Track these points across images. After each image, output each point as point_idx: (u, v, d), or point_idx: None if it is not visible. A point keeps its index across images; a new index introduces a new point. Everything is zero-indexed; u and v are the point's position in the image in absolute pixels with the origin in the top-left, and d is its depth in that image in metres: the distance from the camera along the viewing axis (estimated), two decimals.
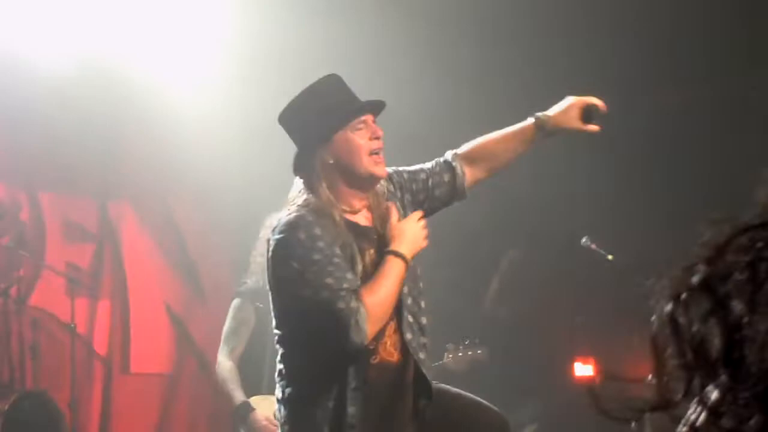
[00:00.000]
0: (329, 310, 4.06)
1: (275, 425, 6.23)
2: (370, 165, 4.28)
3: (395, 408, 4.42)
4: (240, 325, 6.79)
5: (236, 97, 8.32)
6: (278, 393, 4.37)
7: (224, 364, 6.78)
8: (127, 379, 8.47)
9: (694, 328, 1.11)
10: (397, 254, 4.25)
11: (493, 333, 8.10)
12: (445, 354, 7.58)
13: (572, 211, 7.99)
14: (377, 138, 4.32)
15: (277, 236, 4.23)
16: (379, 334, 4.25)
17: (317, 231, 4.17)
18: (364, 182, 4.33)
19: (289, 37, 7.86)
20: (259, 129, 8.34)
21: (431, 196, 4.63)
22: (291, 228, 4.19)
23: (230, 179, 8.57)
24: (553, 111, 4.70)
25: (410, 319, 4.41)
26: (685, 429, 1.12)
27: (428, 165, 4.68)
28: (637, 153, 8.06)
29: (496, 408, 4.73)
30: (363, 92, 4.45)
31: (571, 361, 8.17)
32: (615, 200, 8.06)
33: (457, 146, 4.73)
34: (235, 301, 6.85)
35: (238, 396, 6.64)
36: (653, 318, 1.18)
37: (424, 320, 4.48)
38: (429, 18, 7.89)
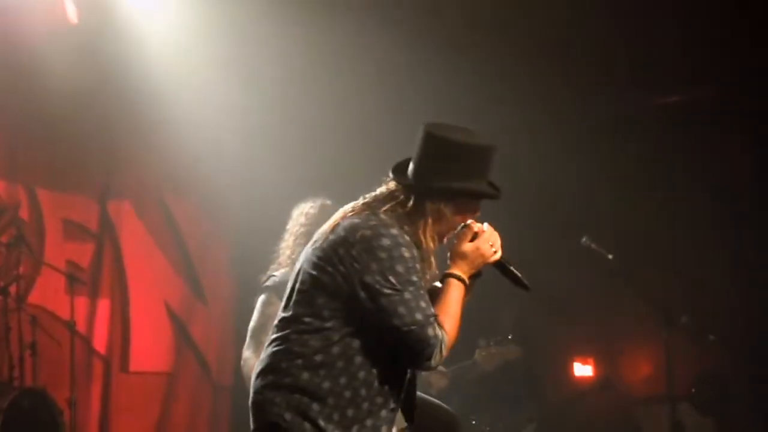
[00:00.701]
0: (419, 334, 4.07)
1: None
2: (443, 239, 4.36)
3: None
4: (268, 320, 6.46)
5: (236, 96, 8.32)
6: (295, 386, 4.27)
7: (251, 360, 6.65)
8: (127, 377, 8.46)
9: None
10: (458, 278, 4.28)
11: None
12: (477, 351, 7.57)
13: (572, 209, 7.99)
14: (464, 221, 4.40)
15: (377, 244, 4.19)
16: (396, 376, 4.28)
17: (414, 252, 4.20)
18: (438, 237, 4.37)
19: (289, 36, 7.86)
20: (260, 128, 8.37)
21: None
22: (395, 243, 4.17)
23: (230, 178, 8.57)
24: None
25: None
26: None
27: None
28: (638, 152, 8.07)
29: (444, 405, 4.80)
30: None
31: (571, 362, 8.18)
32: (615, 200, 8.07)
33: None
34: (263, 296, 6.64)
35: None
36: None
37: None
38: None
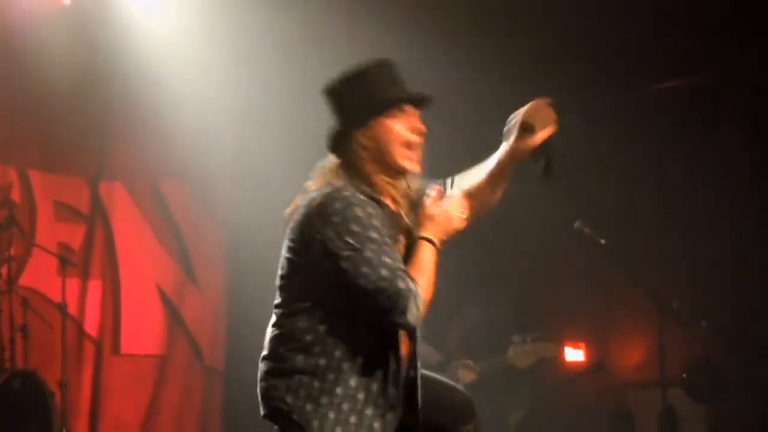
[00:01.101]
0: (389, 289, 4.01)
1: None
2: (402, 157, 4.24)
3: (401, 396, 4.42)
4: None
5: (231, 79, 8.30)
6: (283, 373, 4.27)
7: None
8: (118, 359, 8.46)
9: None
10: (430, 240, 4.22)
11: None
12: (510, 347, 7.53)
13: (566, 195, 7.98)
14: (417, 133, 4.28)
15: (330, 209, 4.16)
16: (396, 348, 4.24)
17: (370, 209, 4.13)
18: (395, 172, 4.29)
19: (286, 17, 7.83)
20: (254, 111, 8.36)
21: None
22: (347, 204, 4.12)
23: (224, 161, 8.56)
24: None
25: None
26: None
27: None
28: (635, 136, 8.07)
29: (457, 386, 4.76)
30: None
31: (562, 346, 8.18)
32: (608, 185, 8.06)
33: None
34: None
35: None
36: None
37: None
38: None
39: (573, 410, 7.86)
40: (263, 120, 8.24)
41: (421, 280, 4.07)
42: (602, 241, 7.11)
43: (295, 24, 7.81)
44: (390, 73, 4.31)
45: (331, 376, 4.15)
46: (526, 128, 4.23)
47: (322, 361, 4.14)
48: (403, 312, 3.98)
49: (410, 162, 4.23)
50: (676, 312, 6.83)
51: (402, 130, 4.20)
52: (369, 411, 4.17)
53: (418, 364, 4.45)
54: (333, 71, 4.42)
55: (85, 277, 8.35)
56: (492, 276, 8.68)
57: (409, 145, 4.21)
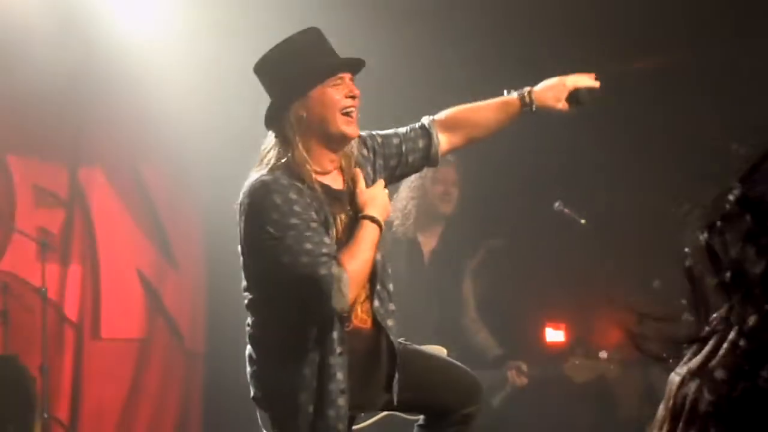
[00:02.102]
0: (311, 277, 4.02)
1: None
2: (342, 123, 4.24)
3: (370, 376, 4.42)
4: None
5: (210, 63, 8.28)
6: (250, 362, 4.36)
7: None
8: (98, 344, 8.44)
9: (732, 254, 1.09)
10: (373, 219, 4.22)
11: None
12: (570, 359, 7.54)
13: (544, 175, 7.99)
14: (352, 97, 4.28)
15: (250, 200, 4.19)
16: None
17: (292, 195, 4.13)
18: (335, 141, 4.29)
19: (261, 6, 7.81)
20: (232, 96, 8.33)
21: (404, 162, 4.61)
22: (266, 192, 4.14)
23: (202, 145, 8.53)
24: (540, 88, 4.67)
25: (379, 286, 4.40)
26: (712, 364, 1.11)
27: (402, 130, 4.64)
28: (615, 118, 8.07)
29: (467, 369, 4.76)
30: (342, 47, 4.41)
31: (543, 327, 8.19)
32: (590, 165, 8.06)
33: (436, 111, 4.71)
34: None
35: None
36: (687, 250, 1.16)
37: (391, 287, 4.48)
38: None
39: (554, 390, 7.87)
40: (241, 104, 8.21)
41: (352, 262, 4.07)
42: (582, 221, 7.14)
43: (275, 12, 7.79)
44: (319, 41, 4.34)
45: (275, 374, 4.22)
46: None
47: (263, 358, 4.22)
48: (327, 298, 4.00)
49: (349, 126, 4.25)
50: (657, 292, 6.86)
51: (339, 97, 4.22)
52: (314, 383, 4.22)
53: (389, 322, 4.45)
54: None
55: (64, 262, 8.33)
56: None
57: (347, 111, 4.24)
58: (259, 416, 4.43)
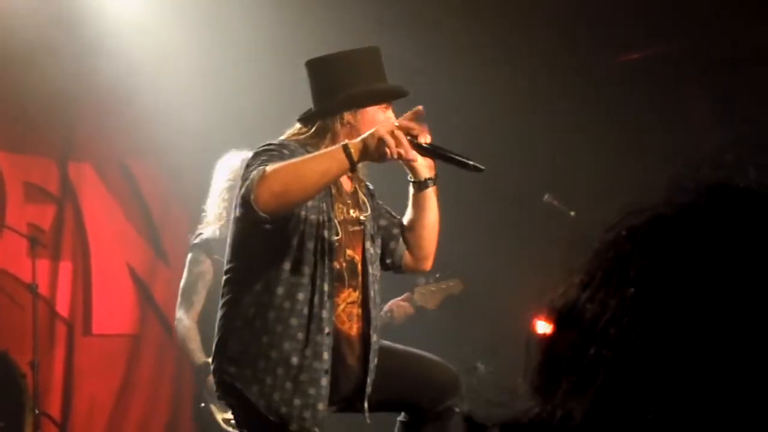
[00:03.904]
0: (247, 180, 4.09)
1: None
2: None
3: (348, 380, 4.44)
4: (198, 280, 6.56)
5: (201, 57, 8.28)
6: (221, 345, 4.36)
7: (183, 321, 6.63)
8: (90, 340, 8.45)
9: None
10: (344, 146, 4.01)
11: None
12: (415, 290, 7.19)
13: (533, 167, 8.00)
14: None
15: (258, 149, 4.24)
16: (326, 300, 4.26)
17: (287, 149, 4.21)
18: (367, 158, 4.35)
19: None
20: (221, 89, 8.34)
21: (383, 230, 4.67)
22: (278, 144, 4.24)
23: (191, 139, 8.53)
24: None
25: (372, 293, 4.45)
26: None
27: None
28: (602, 109, 8.08)
29: (446, 363, 4.79)
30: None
31: (533, 320, 8.19)
32: (578, 157, 8.07)
33: None
34: (190, 255, 6.60)
35: (199, 356, 6.52)
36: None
37: (376, 291, 4.53)
38: None
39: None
40: (231, 97, 8.22)
41: (279, 167, 4.00)
42: (571, 213, 7.14)
43: (267, 7, 7.80)
44: (378, 62, 4.46)
45: (265, 339, 4.22)
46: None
47: (258, 323, 4.23)
48: (248, 193, 4.01)
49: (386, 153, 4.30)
50: None
51: (383, 122, 4.32)
52: (303, 377, 4.22)
53: (374, 338, 4.48)
54: (305, 53, 4.48)
55: (55, 257, 8.34)
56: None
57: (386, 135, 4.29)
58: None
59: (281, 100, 7.93)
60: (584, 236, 1.16)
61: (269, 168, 3.94)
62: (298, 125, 4.45)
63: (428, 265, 4.75)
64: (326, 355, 4.24)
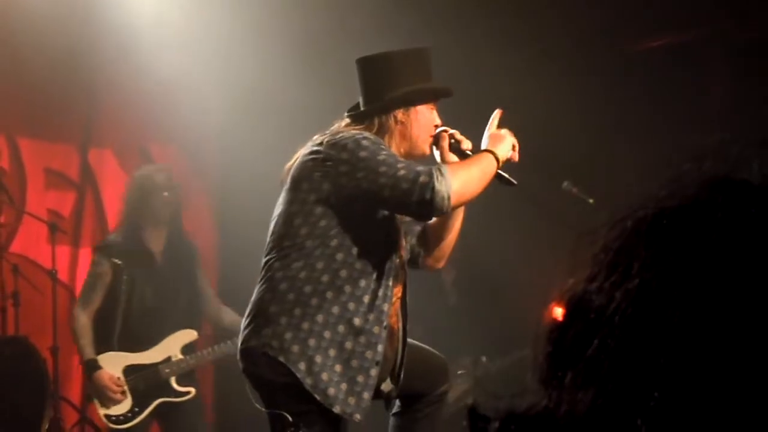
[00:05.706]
0: (409, 174, 4.10)
1: (119, 386, 6.69)
2: (425, 143, 4.43)
3: (388, 358, 4.48)
4: (96, 281, 7.03)
5: (221, 44, 8.29)
6: (265, 314, 4.31)
7: (79, 318, 7.03)
8: None
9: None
10: (492, 152, 4.30)
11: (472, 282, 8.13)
12: None
13: (553, 156, 7.99)
14: (436, 126, 4.47)
15: (341, 138, 4.25)
16: (389, 295, 4.29)
17: (383, 143, 4.29)
18: (412, 154, 4.45)
19: None
20: (242, 72, 8.34)
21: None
22: (356, 135, 4.28)
23: (212, 124, 8.55)
24: None
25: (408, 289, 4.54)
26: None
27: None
28: (621, 98, 8.07)
29: (433, 350, 4.86)
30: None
31: (543, 312, 8.19)
32: (596, 145, 8.06)
33: None
34: (93, 257, 7.18)
35: (88, 352, 6.93)
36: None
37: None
38: None
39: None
40: (251, 81, 8.22)
41: (460, 170, 4.14)
42: (590, 201, 7.13)
43: None
44: (428, 63, 4.56)
45: (320, 318, 4.22)
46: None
47: (314, 301, 4.22)
48: (424, 188, 4.05)
49: (427, 151, 4.45)
50: None
51: (432, 121, 4.42)
52: (354, 363, 4.23)
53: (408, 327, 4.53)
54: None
55: (75, 243, 8.37)
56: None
57: (431, 136, 4.43)
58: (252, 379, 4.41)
59: (302, 83, 7.98)
60: (591, 229, 1.17)
61: (449, 172, 4.07)
62: (347, 119, 4.48)
63: (442, 264, 4.85)
64: (380, 348, 4.28)
